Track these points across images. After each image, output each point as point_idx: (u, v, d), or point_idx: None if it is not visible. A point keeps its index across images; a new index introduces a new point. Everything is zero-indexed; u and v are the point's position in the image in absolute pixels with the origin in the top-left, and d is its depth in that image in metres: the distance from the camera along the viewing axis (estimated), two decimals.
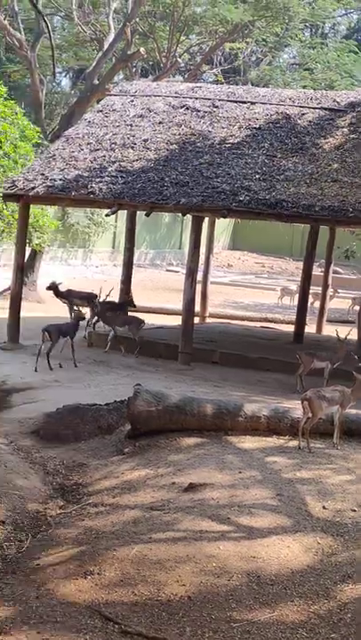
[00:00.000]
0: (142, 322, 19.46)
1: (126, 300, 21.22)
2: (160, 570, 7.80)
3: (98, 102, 36.44)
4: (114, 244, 44.48)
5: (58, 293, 22.03)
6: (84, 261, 41.75)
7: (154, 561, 7.94)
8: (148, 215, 18.94)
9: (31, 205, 20.29)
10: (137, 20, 39.47)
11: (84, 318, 18.61)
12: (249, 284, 40.21)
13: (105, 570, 7.86)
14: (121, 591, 7.53)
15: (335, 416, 11.48)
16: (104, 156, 19.19)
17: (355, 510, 9.03)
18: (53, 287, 21.78)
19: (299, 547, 8.22)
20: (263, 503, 9.20)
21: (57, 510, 9.76)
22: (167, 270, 44.77)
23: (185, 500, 9.37)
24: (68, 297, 21.99)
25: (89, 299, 21.38)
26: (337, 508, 9.12)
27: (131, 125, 20.34)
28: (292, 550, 8.15)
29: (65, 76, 59.76)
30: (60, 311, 23.41)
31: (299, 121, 19.75)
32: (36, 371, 16.46)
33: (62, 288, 21.85)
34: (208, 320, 24.52)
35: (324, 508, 9.11)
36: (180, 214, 40.06)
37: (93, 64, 34.92)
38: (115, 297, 21.30)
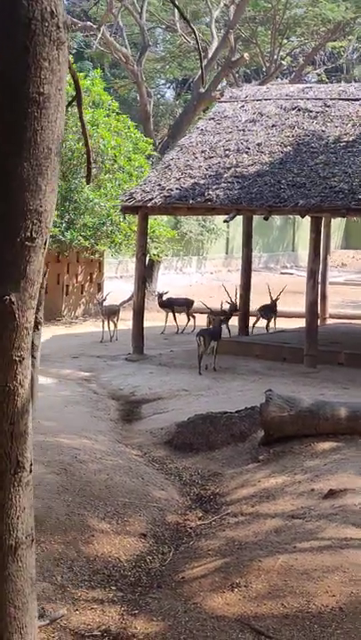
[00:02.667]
0: None
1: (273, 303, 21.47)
2: (308, 580, 7.58)
3: (205, 110, 36.65)
4: (227, 249, 44.48)
5: (161, 303, 22.46)
6: (198, 269, 41.84)
7: (301, 571, 7.72)
8: (266, 219, 18.90)
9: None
10: (238, 26, 39.42)
11: (222, 322, 18.75)
12: None
13: (251, 582, 7.68)
14: (270, 604, 7.34)
15: None
16: (219, 163, 19.19)
17: None
18: (159, 297, 22.35)
19: None
20: None
21: (196, 521, 9.65)
22: (281, 273, 44.47)
23: (326, 506, 9.14)
24: (170, 305, 22.34)
25: (187, 305, 21.87)
26: None
27: (243, 130, 20.29)
28: None
29: (169, 87, 60.05)
30: (181, 321, 23.53)
31: None
32: (200, 374, 17.06)
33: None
34: (328, 321, 24.26)
35: None
36: (291, 216, 40.15)
37: (199, 73, 35.01)
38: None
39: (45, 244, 4.05)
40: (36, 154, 3.86)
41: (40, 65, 3.82)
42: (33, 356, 4.56)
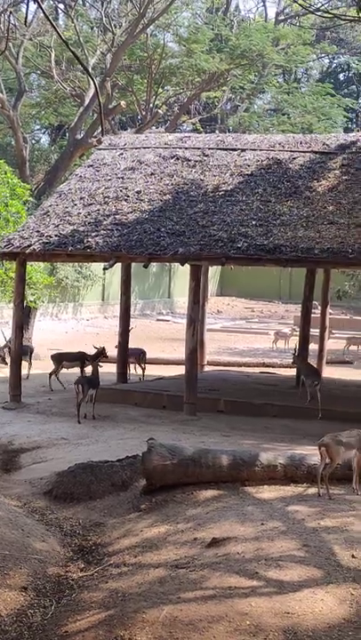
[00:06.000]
0: None
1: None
2: (193, 631, 7.51)
3: (81, 157, 36.69)
4: (103, 296, 44.52)
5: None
6: (74, 315, 41.71)
7: (186, 622, 7.65)
8: (146, 267, 18.96)
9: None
10: (115, 74, 39.79)
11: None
12: (241, 330, 40.14)
13: (136, 634, 7.57)
14: None
15: (353, 461, 11.29)
16: (98, 210, 19.17)
17: None
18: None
19: (333, 599, 7.91)
20: (290, 555, 8.92)
21: (79, 573, 9.49)
22: (157, 320, 44.69)
23: (209, 555, 9.10)
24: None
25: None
26: None
27: (122, 178, 20.34)
28: (326, 603, 7.84)
29: (44, 132, 60.05)
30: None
31: (290, 165, 19.76)
32: (79, 423, 16.83)
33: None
34: (206, 368, 24.35)
35: (353, 556, 8.79)
36: (167, 263, 40.39)
37: (75, 119, 35.11)
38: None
39: None
40: None
41: None
42: None
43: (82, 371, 20.71)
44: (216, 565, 8.77)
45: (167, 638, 7.46)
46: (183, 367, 18.58)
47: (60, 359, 21.25)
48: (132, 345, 22.39)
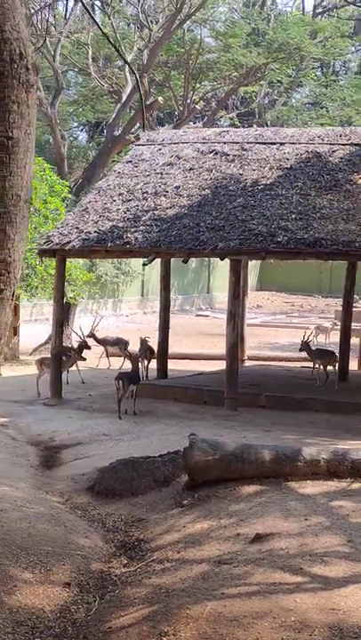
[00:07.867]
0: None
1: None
2: (238, 627, 7.45)
3: (119, 153, 36.77)
4: (142, 292, 44.59)
5: None
6: (114, 311, 41.77)
7: (230, 618, 7.59)
8: (185, 262, 18.93)
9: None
10: (152, 70, 39.81)
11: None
12: (281, 324, 39.95)
13: (180, 630, 7.52)
14: None
15: None
16: (137, 206, 19.15)
17: None
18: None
19: None
20: (335, 551, 8.83)
21: (121, 569, 9.46)
22: (197, 315, 44.64)
23: (253, 551, 9.04)
24: None
25: None
26: None
27: (161, 174, 20.31)
28: None
29: (82, 129, 60.22)
30: (95, 363, 23.37)
31: (330, 158, 19.63)
32: (120, 419, 16.85)
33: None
34: (247, 363, 24.27)
35: None
36: (206, 258, 40.28)
37: (113, 116, 35.20)
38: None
39: (13, 295, 3.83)
40: (5, 201, 3.65)
41: (9, 108, 3.64)
42: None
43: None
44: (260, 561, 8.70)
45: (211, 634, 7.39)
46: (223, 362, 18.53)
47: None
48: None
